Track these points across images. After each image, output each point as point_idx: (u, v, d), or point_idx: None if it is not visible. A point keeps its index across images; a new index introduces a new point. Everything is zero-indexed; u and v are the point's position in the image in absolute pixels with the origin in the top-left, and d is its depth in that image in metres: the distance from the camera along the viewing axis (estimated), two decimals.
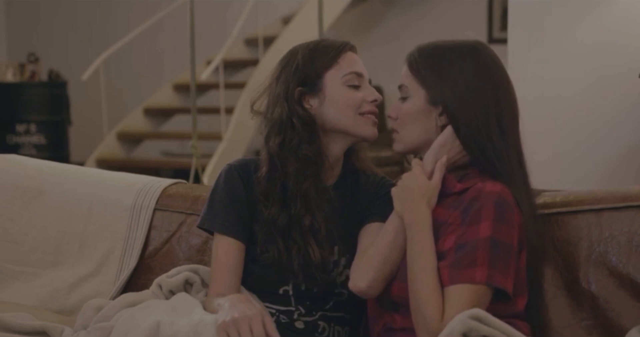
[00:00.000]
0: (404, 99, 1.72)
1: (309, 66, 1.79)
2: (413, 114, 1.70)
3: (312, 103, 1.80)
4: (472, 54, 1.69)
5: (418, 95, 1.70)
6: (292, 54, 1.83)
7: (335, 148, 1.82)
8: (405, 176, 1.68)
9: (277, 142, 1.78)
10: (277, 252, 1.77)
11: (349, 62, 1.80)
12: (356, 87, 1.79)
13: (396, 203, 1.67)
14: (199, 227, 1.87)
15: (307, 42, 1.85)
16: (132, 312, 1.74)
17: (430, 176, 1.66)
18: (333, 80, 1.79)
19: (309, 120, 1.78)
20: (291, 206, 1.77)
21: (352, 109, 1.78)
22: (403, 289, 1.62)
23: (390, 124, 1.78)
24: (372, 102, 1.79)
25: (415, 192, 1.64)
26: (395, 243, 1.67)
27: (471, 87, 1.66)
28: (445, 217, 1.63)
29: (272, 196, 1.78)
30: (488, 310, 1.55)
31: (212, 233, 1.86)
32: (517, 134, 1.73)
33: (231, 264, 1.79)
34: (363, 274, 1.68)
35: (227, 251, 1.80)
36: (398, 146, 1.75)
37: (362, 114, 1.78)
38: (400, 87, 1.73)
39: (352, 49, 1.84)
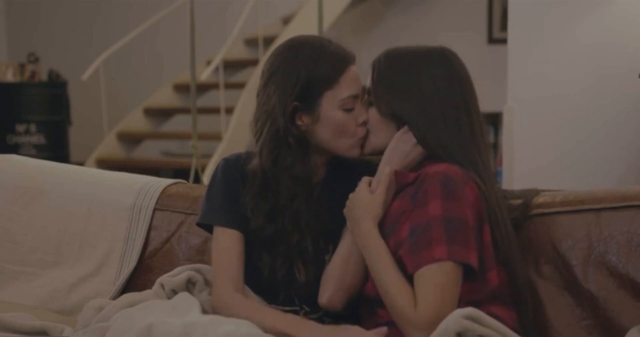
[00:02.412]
0: (370, 103, 1.77)
1: (310, 81, 1.73)
2: (376, 120, 1.75)
3: (304, 120, 1.76)
4: (441, 57, 1.74)
5: (378, 105, 1.75)
6: (291, 59, 1.75)
7: (321, 158, 1.82)
8: (351, 195, 1.73)
9: (271, 158, 1.75)
10: (262, 264, 1.77)
11: (349, 83, 1.75)
12: (351, 110, 1.76)
13: (347, 222, 1.73)
14: (199, 224, 1.86)
15: (309, 45, 1.77)
16: (130, 312, 1.74)
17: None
18: (330, 102, 1.74)
19: (303, 140, 1.76)
20: (278, 220, 1.76)
21: (343, 133, 1.76)
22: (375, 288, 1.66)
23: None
24: (362, 124, 1.77)
25: (360, 209, 1.69)
26: (350, 258, 1.73)
27: (439, 89, 1.70)
28: (402, 207, 1.67)
29: (261, 209, 1.77)
30: (462, 292, 1.58)
31: (211, 231, 1.83)
32: (482, 129, 1.76)
33: (238, 255, 1.77)
34: (322, 289, 1.75)
35: (232, 241, 1.77)
36: (366, 149, 1.79)
37: (352, 138, 1.77)
38: (368, 91, 1.77)
39: (354, 61, 1.78)
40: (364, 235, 1.67)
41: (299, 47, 1.77)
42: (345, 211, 1.73)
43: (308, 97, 1.74)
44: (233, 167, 1.82)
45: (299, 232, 1.76)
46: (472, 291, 1.61)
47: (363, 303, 1.75)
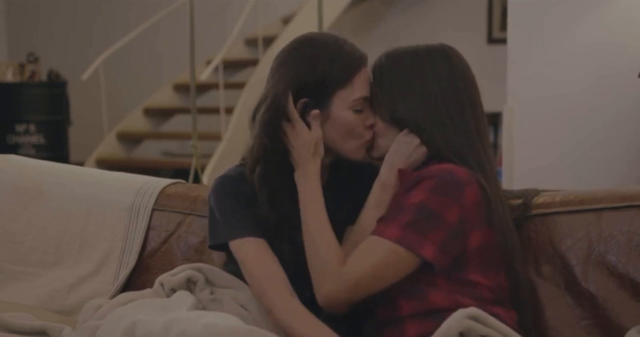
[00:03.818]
0: (374, 108, 1.76)
1: (324, 79, 1.72)
2: (382, 126, 1.74)
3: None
4: (442, 55, 1.73)
5: (379, 111, 1.74)
6: (305, 56, 1.74)
7: (326, 159, 1.79)
8: (293, 137, 1.71)
9: (270, 136, 1.72)
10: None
11: (361, 84, 1.74)
12: (360, 111, 1.75)
13: (294, 162, 1.73)
14: (213, 246, 1.81)
15: (324, 43, 1.75)
16: (122, 311, 1.73)
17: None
18: (342, 102, 1.73)
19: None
20: (278, 206, 1.74)
21: (351, 134, 1.75)
22: None
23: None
24: (369, 126, 1.76)
25: (305, 149, 1.70)
26: None
27: (443, 88, 1.69)
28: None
29: (261, 195, 1.74)
30: (458, 291, 1.59)
31: (227, 250, 1.80)
32: (485, 125, 1.77)
33: (277, 260, 1.74)
34: None
35: (265, 247, 1.74)
36: (375, 153, 1.78)
37: (358, 139, 1.76)
38: (371, 96, 1.75)
39: (366, 63, 1.78)
40: (303, 171, 1.70)
41: (314, 45, 1.76)
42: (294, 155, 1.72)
43: (320, 95, 1.73)
44: (236, 180, 1.79)
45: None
46: (468, 294, 1.61)
47: (362, 301, 1.74)
